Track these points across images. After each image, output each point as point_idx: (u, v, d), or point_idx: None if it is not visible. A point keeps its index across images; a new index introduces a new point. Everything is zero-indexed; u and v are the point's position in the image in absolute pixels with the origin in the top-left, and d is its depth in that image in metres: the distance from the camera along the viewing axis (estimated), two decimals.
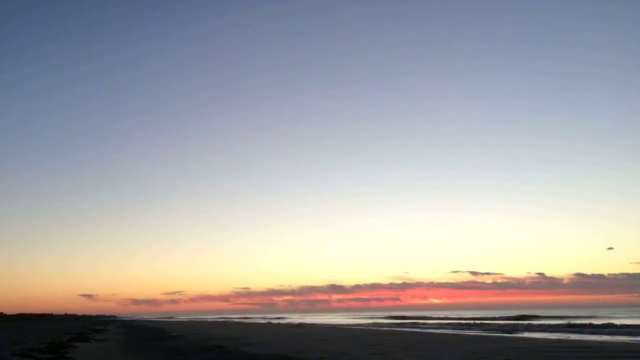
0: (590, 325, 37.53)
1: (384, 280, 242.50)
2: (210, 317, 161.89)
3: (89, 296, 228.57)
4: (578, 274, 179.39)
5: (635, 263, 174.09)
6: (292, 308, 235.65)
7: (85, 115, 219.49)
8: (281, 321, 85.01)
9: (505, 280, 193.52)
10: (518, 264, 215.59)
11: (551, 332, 33.73)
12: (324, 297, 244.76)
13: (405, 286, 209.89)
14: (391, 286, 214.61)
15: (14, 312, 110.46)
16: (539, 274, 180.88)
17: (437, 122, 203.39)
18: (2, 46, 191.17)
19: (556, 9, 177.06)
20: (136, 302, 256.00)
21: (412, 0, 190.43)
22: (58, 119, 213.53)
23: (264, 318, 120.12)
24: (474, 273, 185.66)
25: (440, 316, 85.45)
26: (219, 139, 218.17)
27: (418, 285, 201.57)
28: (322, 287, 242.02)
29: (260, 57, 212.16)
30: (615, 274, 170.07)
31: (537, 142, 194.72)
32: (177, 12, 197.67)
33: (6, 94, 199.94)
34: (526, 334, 31.31)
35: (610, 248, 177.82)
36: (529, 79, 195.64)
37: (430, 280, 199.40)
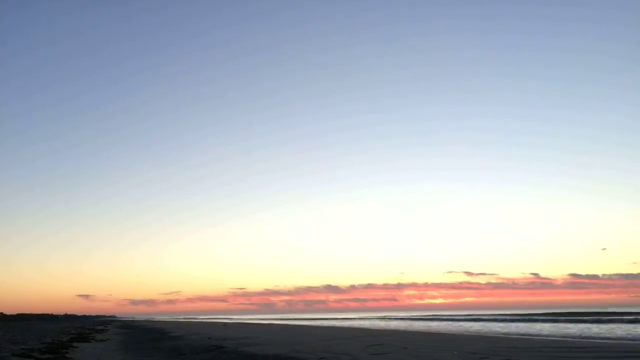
0: None
1: (378, 280, 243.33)
2: (209, 318, 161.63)
3: (86, 296, 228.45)
4: (572, 275, 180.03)
5: (630, 263, 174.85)
6: (290, 308, 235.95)
7: (83, 119, 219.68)
8: (280, 322, 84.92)
9: (499, 281, 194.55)
10: (513, 265, 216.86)
11: None
12: (321, 297, 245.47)
13: (400, 287, 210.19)
14: (386, 287, 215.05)
15: (14, 312, 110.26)
16: (534, 274, 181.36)
17: (434, 122, 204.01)
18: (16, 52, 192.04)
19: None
20: (134, 302, 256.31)
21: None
22: (56, 124, 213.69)
23: (263, 318, 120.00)
24: (468, 273, 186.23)
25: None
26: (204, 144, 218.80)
27: (413, 285, 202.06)
28: (318, 287, 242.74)
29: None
30: (610, 275, 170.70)
31: (531, 143, 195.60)
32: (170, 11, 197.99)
33: (16, 101, 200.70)
34: (526, 334, 31.35)
35: (604, 249, 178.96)
36: (526, 79, 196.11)
37: (425, 281, 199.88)
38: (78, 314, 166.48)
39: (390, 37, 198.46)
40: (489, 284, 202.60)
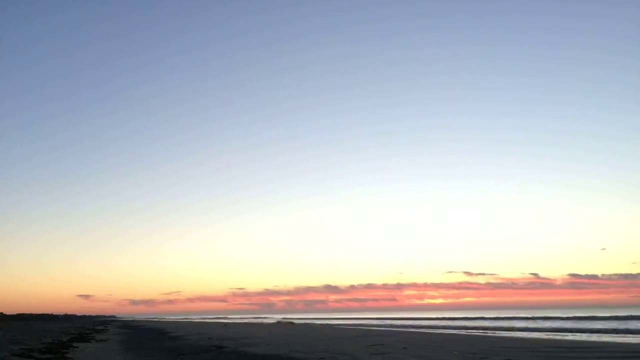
0: None
1: (378, 280, 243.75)
2: (209, 318, 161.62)
3: (86, 297, 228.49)
4: (572, 275, 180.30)
5: (629, 263, 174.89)
6: (290, 308, 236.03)
7: (82, 116, 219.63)
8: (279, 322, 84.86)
9: (499, 281, 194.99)
10: (512, 265, 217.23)
11: None
12: (321, 297, 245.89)
13: (400, 287, 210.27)
14: (385, 287, 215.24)
15: (14, 312, 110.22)
16: (533, 274, 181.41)
17: (434, 120, 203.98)
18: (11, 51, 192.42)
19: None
20: (133, 302, 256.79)
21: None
22: (53, 121, 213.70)
23: (262, 318, 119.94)
24: (468, 273, 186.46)
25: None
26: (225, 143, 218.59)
27: (413, 285, 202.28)
28: (318, 287, 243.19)
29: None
30: (609, 275, 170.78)
31: (530, 142, 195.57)
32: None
33: (15, 97, 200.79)
34: (526, 334, 31.34)
35: (603, 249, 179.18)
36: (526, 76, 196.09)
37: (425, 281, 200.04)
38: (78, 314, 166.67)
39: (389, 34, 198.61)
40: (488, 284, 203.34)
